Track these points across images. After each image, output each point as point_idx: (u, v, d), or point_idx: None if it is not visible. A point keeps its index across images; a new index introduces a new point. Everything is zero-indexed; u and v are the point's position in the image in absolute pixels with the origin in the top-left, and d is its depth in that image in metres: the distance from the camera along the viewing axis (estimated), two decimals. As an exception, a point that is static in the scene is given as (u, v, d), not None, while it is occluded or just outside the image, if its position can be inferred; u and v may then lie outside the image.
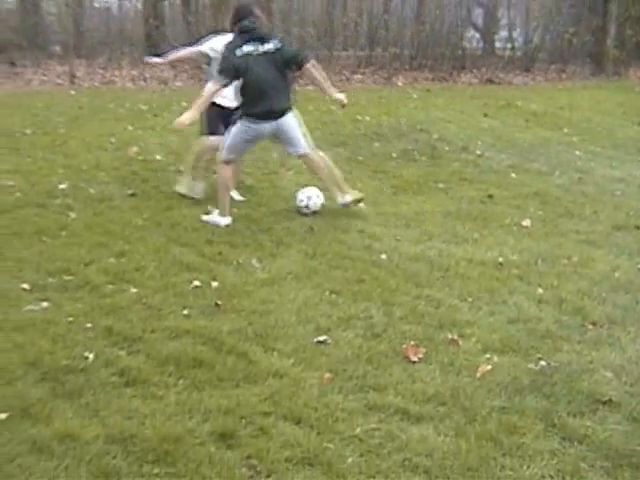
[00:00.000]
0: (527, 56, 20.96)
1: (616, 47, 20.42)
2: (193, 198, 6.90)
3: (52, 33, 20.37)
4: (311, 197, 6.58)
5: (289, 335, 4.24)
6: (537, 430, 3.35)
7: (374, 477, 3.04)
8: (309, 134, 6.57)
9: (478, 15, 23.85)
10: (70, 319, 4.36)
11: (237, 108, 6.39)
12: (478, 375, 3.82)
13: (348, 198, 6.56)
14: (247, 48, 6.10)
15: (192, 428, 3.31)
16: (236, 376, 3.78)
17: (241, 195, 7.03)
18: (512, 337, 4.27)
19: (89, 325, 4.30)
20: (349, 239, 5.95)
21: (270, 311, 4.56)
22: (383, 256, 5.56)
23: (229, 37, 6.38)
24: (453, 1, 20.64)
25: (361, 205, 6.76)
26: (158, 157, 8.69)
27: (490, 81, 18.75)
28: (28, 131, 9.96)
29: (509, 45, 21.67)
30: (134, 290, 4.85)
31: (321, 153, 6.66)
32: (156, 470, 3.04)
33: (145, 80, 16.80)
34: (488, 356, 4.04)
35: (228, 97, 6.54)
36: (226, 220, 6.24)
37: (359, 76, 18.51)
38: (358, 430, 3.33)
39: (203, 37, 7.38)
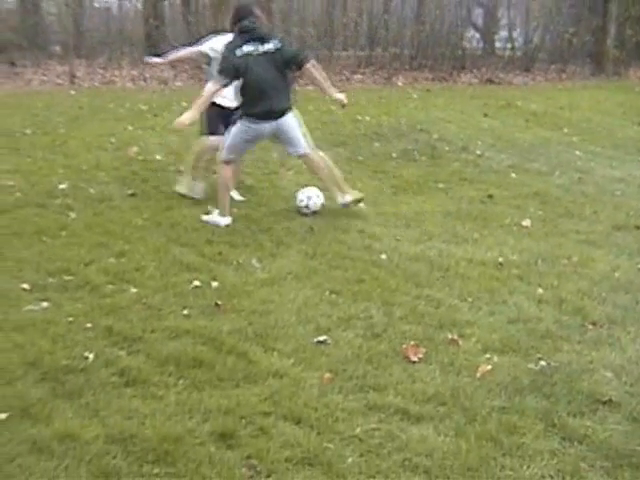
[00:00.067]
0: (527, 56, 20.96)
1: (616, 47, 20.42)
2: (193, 198, 6.90)
3: (52, 33, 20.39)
4: (311, 197, 6.58)
5: (289, 335, 4.24)
6: (537, 430, 3.35)
7: (374, 477, 3.04)
8: (309, 134, 6.57)
9: (478, 15, 23.86)
10: (70, 319, 4.37)
11: (237, 108, 6.39)
12: (478, 375, 3.82)
13: (348, 198, 6.56)
14: (247, 48, 6.10)
15: (192, 428, 3.31)
16: (236, 376, 3.78)
17: (241, 195, 7.03)
18: (512, 337, 4.27)
19: (89, 325, 4.30)
20: (349, 239, 5.95)
21: (270, 311, 4.56)
22: (383, 256, 5.56)
23: (229, 37, 6.38)
24: (453, 1, 20.64)
25: (361, 205, 6.76)
26: (158, 157, 8.69)
27: (490, 81, 18.75)
28: (28, 131, 9.97)
29: (509, 45, 21.68)
30: (134, 290, 4.85)
31: (321, 153, 6.66)
32: (156, 470, 3.04)
33: (145, 80, 16.81)
34: (488, 356, 4.04)
35: (228, 97, 6.54)
36: (226, 220, 6.24)
37: (359, 76, 18.52)
38: (358, 430, 3.33)
39: (203, 37, 7.38)
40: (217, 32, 7.13)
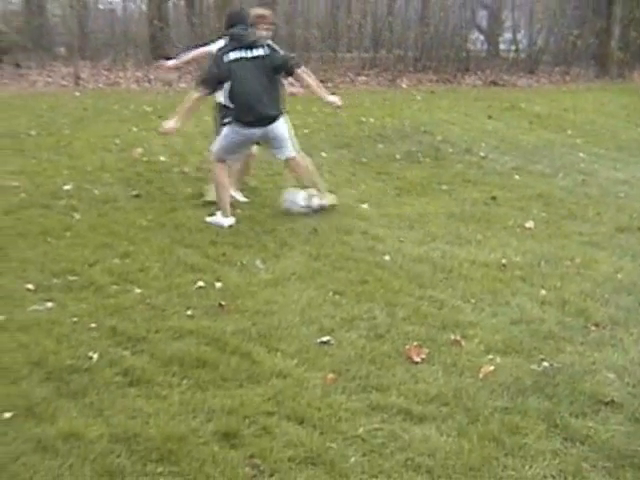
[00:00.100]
0: (531, 58, 20.95)
1: (620, 49, 20.39)
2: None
3: (57, 35, 20.43)
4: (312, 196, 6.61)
5: (292, 335, 4.26)
6: (539, 430, 3.36)
7: (377, 477, 3.05)
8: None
9: (482, 17, 23.80)
10: (74, 319, 4.39)
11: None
12: (481, 376, 3.83)
13: (325, 202, 6.64)
14: (235, 55, 6.18)
15: (196, 428, 3.33)
16: (240, 376, 3.79)
17: (245, 196, 7.05)
18: (515, 338, 4.27)
19: (93, 325, 4.32)
20: (353, 240, 5.96)
21: (274, 312, 4.57)
22: (386, 257, 5.57)
23: None
24: (457, 3, 20.62)
25: (364, 206, 6.79)
26: (162, 158, 8.71)
27: (494, 83, 18.75)
28: (33, 132, 10.00)
29: (513, 47, 21.66)
30: (138, 290, 4.87)
31: (305, 157, 6.75)
32: (160, 469, 3.05)
33: (149, 82, 16.85)
34: (491, 357, 4.05)
35: None
36: (229, 221, 6.26)
37: (363, 78, 18.54)
38: (361, 430, 3.34)
39: (210, 39, 7.42)
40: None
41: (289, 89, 6.99)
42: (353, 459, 3.14)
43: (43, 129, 10.25)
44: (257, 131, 6.29)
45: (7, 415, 3.38)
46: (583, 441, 3.29)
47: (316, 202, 6.58)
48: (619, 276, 5.28)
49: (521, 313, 4.63)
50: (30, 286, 4.88)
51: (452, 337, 4.27)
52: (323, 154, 9.07)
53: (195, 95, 6.21)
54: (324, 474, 3.05)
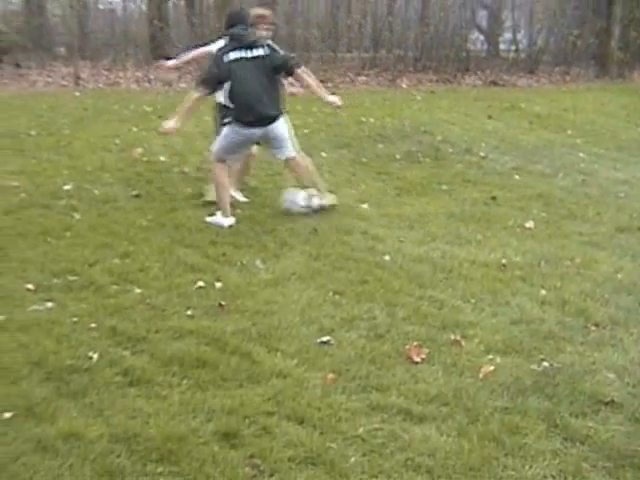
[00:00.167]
0: (531, 58, 20.96)
1: (620, 49, 20.39)
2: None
3: (57, 35, 20.44)
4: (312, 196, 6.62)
5: (293, 335, 4.26)
6: (539, 430, 3.36)
7: (377, 477, 3.05)
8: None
9: (482, 17, 23.81)
10: (74, 319, 4.39)
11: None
12: (481, 376, 3.83)
13: (325, 202, 6.65)
14: (235, 55, 6.18)
15: (196, 427, 3.33)
16: (240, 376, 3.79)
17: (245, 196, 7.05)
18: (515, 338, 4.28)
19: (93, 325, 4.32)
20: (353, 240, 5.96)
21: (274, 312, 4.57)
22: (386, 257, 5.58)
23: None
24: (457, 3, 20.62)
25: (364, 206, 6.80)
26: (162, 158, 8.71)
27: (494, 83, 18.76)
28: (33, 132, 10.00)
29: (513, 47, 21.66)
30: (138, 290, 4.87)
31: (305, 157, 6.77)
32: (160, 469, 3.05)
33: (150, 82, 16.86)
34: (491, 357, 4.05)
35: None
36: (229, 221, 6.26)
37: (363, 78, 18.54)
38: (361, 430, 3.34)
39: (209, 39, 7.42)
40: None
41: (289, 89, 7.00)
42: (353, 459, 3.14)
43: (43, 129, 10.25)
44: (257, 131, 6.29)
45: (7, 415, 3.38)
46: (583, 441, 3.29)
47: (316, 202, 6.58)
48: (619, 276, 5.29)
49: (521, 313, 4.63)
50: (30, 286, 4.88)
51: (452, 337, 4.27)
52: (323, 154, 9.07)
53: (195, 95, 6.22)
54: (324, 474, 3.05)
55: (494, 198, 7.32)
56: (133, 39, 19.72)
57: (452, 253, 5.70)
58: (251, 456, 3.15)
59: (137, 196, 7.11)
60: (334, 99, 6.63)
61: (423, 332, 4.33)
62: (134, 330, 4.28)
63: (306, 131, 10.32)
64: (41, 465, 3.05)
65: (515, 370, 3.90)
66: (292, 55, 6.42)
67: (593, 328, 4.44)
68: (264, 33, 6.70)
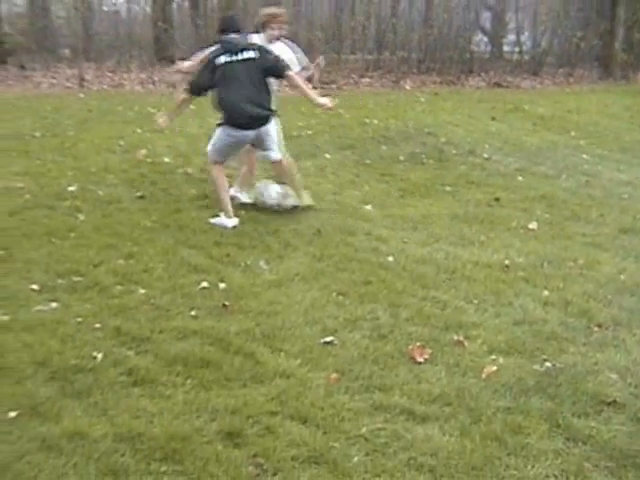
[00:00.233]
0: (535, 60, 20.95)
1: (624, 51, 20.40)
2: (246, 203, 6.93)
3: (61, 36, 20.49)
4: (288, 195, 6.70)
5: (296, 336, 4.27)
6: (542, 430, 3.37)
7: (379, 476, 3.06)
8: (284, 142, 6.75)
9: (486, 19, 23.82)
10: (79, 319, 4.40)
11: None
12: (483, 376, 3.85)
13: (298, 202, 6.76)
14: (225, 58, 6.24)
15: (199, 427, 3.34)
16: (243, 376, 3.81)
17: (249, 197, 7.06)
18: (518, 338, 4.29)
19: (98, 325, 4.33)
20: (356, 241, 5.97)
21: (277, 312, 4.59)
22: (390, 258, 5.59)
23: (255, 38, 6.61)
24: (461, 5, 20.65)
25: (368, 207, 6.81)
26: (166, 160, 8.73)
27: (498, 85, 18.76)
28: (37, 134, 10.02)
29: (517, 49, 21.68)
30: (142, 291, 4.89)
31: (292, 161, 6.89)
32: (164, 468, 3.07)
33: (154, 83, 16.88)
34: (494, 357, 4.06)
35: None
36: (233, 222, 6.28)
37: (367, 79, 18.55)
38: (364, 430, 3.36)
39: (213, 40, 7.42)
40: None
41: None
42: (356, 458, 3.16)
43: (47, 130, 10.27)
44: (250, 133, 6.32)
45: (12, 414, 3.40)
46: (585, 441, 3.30)
47: (290, 202, 6.67)
48: (622, 277, 5.30)
49: (524, 314, 4.64)
50: (35, 286, 4.90)
51: (455, 337, 4.28)
52: (327, 155, 9.09)
53: (182, 96, 6.45)
54: (327, 473, 3.06)
55: (497, 199, 7.33)
56: (137, 41, 19.75)
57: (455, 254, 5.71)
58: (254, 455, 3.16)
59: (141, 197, 7.12)
60: (324, 101, 6.62)
61: (426, 332, 4.35)
62: (138, 330, 4.29)
63: (310, 132, 10.35)
64: (45, 464, 3.07)
65: (518, 370, 3.91)
66: (282, 58, 6.44)
67: (596, 329, 4.45)
68: (276, 32, 6.73)
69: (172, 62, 8.22)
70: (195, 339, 4.21)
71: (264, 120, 6.32)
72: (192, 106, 7.04)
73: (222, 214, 6.35)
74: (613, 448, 3.25)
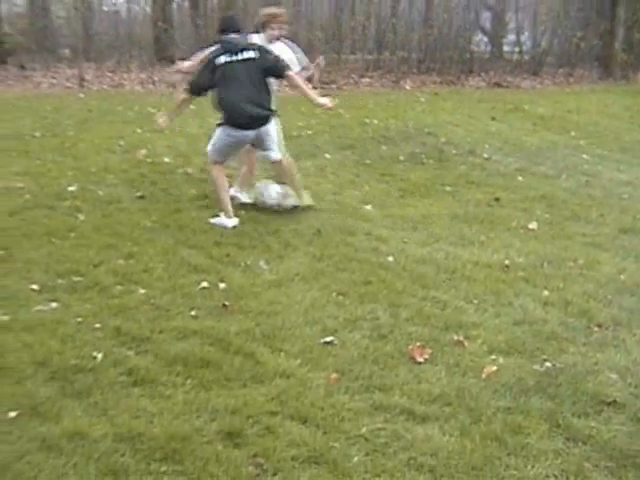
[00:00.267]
0: (535, 60, 20.95)
1: (624, 51, 20.41)
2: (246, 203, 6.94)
3: (61, 36, 20.49)
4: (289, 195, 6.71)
5: (296, 336, 4.27)
6: (542, 430, 3.37)
7: (379, 476, 3.06)
8: (286, 142, 6.74)
9: (486, 19, 23.82)
10: (79, 319, 4.40)
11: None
12: (483, 376, 3.85)
13: (299, 202, 6.76)
14: (225, 58, 6.24)
15: (199, 427, 3.34)
16: (243, 376, 3.81)
17: (249, 197, 7.06)
18: (517, 338, 4.29)
19: (98, 325, 4.33)
20: (356, 241, 5.97)
21: (277, 312, 4.59)
22: (390, 258, 5.59)
23: (255, 38, 6.59)
24: (461, 5, 20.65)
25: (368, 207, 6.82)
26: (166, 160, 8.73)
27: (498, 85, 18.76)
28: (37, 134, 10.02)
29: (517, 49, 21.68)
30: (142, 291, 4.89)
31: (292, 161, 6.88)
32: (164, 468, 3.07)
33: (154, 83, 16.88)
34: (494, 357, 4.06)
35: None
36: (233, 222, 6.28)
37: (367, 79, 18.55)
38: (364, 430, 3.36)
39: (213, 40, 7.42)
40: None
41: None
42: (356, 458, 3.16)
43: (47, 130, 10.27)
44: (250, 133, 6.32)
45: (12, 414, 3.40)
46: (585, 441, 3.31)
47: (290, 202, 6.66)
48: (622, 277, 5.30)
49: (524, 314, 4.64)
50: (35, 286, 4.90)
51: (455, 337, 4.28)
52: (327, 155, 9.09)
53: (183, 97, 6.44)
54: (327, 473, 3.07)
55: (497, 199, 7.33)
56: (137, 41, 19.75)
57: (455, 254, 5.71)
58: (254, 455, 3.16)
59: (141, 197, 7.12)
60: (324, 101, 6.62)
61: (426, 332, 4.35)
62: (138, 330, 4.29)
63: (310, 132, 10.35)
64: (45, 464, 3.07)
65: (518, 370, 3.91)
66: (282, 58, 6.44)
67: (596, 329, 4.46)
68: (276, 32, 6.73)
69: (172, 62, 8.20)
70: (195, 339, 4.21)
71: (264, 120, 6.32)
72: (192, 106, 7.03)
73: (222, 214, 6.35)
74: (613, 448, 3.25)
